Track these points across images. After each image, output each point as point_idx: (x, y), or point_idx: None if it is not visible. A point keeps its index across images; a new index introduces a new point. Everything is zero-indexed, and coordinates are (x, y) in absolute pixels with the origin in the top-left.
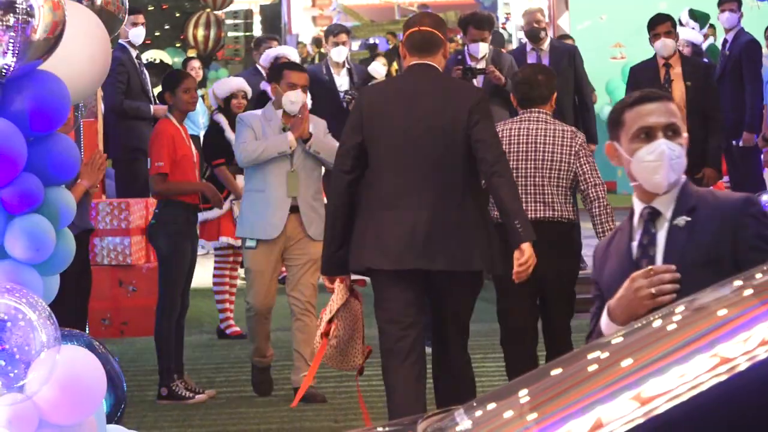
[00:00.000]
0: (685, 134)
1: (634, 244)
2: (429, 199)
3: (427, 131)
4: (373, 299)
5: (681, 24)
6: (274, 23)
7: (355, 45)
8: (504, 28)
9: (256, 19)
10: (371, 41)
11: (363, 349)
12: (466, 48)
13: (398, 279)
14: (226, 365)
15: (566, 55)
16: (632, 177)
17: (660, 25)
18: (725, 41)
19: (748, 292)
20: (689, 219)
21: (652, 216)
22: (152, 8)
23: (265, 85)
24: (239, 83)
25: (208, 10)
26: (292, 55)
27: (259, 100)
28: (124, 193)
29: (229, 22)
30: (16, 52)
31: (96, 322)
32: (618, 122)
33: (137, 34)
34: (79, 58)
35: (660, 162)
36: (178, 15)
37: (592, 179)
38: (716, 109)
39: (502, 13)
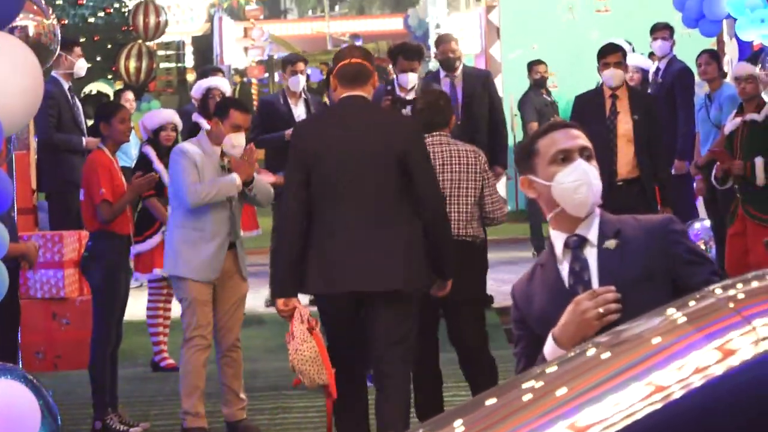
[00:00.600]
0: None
1: (564, 273)
2: (364, 225)
3: (362, 161)
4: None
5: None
6: (206, 54)
7: None
8: (434, 58)
9: (188, 50)
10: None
11: (329, 371)
12: (395, 78)
13: (337, 302)
14: (161, 398)
15: (480, 80)
16: (551, 205)
17: (610, 54)
18: (658, 69)
19: (682, 319)
20: (618, 241)
21: (578, 243)
22: (84, 39)
23: (197, 117)
24: (169, 115)
25: (140, 41)
26: (225, 86)
27: (191, 132)
28: (57, 226)
29: (161, 53)
30: None
31: (29, 355)
32: (531, 152)
33: (81, 66)
34: (12, 90)
35: (581, 180)
36: (109, 46)
37: (491, 198)
38: (659, 143)
39: (434, 42)
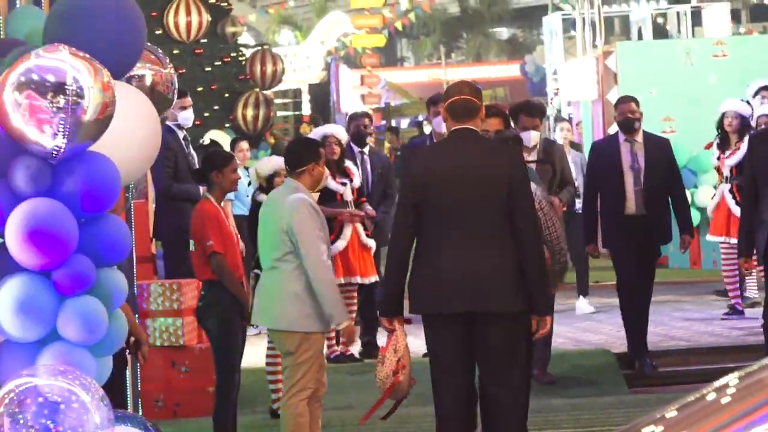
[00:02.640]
0: None
1: None
2: (475, 247)
3: (472, 187)
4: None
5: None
6: (323, 102)
7: (404, 122)
8: (551, 104)
9: (305, 98)
10: (420, 118)
11: (411, 381)
12: None
13: (449, 323)
14: None
15: (660, 147)
16: None
17: None
18: None
19: None
20: None
21: None
22: (201, 89)
23: None
24: (281, 161)
25: (257, 89)
26: (340, 133)
27: None
28: (175, 275)
29: (278, 101)
30: (67, 133)
31: (149, 403)
32: None
33: (186, 117)
34: (130, 139)
35: None
36: (227, 95)
37: None
38: None
39: (551, 88)
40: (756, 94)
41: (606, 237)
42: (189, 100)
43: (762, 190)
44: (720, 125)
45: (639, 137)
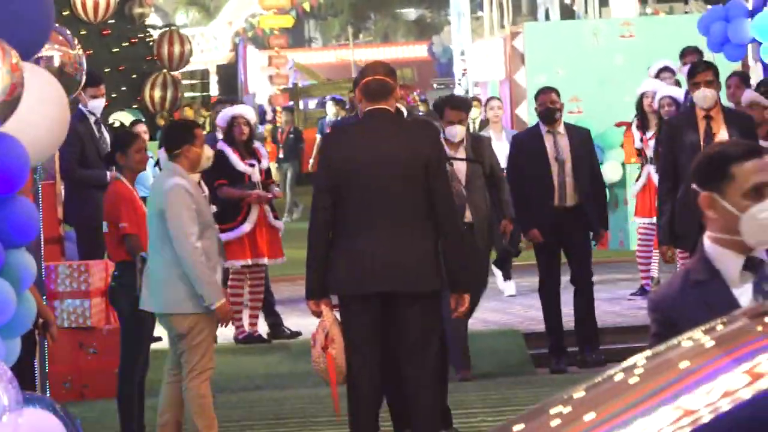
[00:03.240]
0: None
1: (741, 296)
2: (392, 228)
3: (389, 168)
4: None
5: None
6: (231, 83)
7: (312, 103)
8: (459, 84)
9: (213, 79)
10: (328, 99)
11: (334, 389)
12: (441, 131)
13: (367, 304)
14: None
15: (582, 138)
16: (730, 230)
17: (700, 74)
18: (686, 93)
19: (710, 343)
20: None
21: (761, 264)
22: (108, 70)
23: (222, 145)
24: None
25: (165, 70)
26: (249, 113)
27: (216, 158)
28: (86, 258)
29: (185, 82)
30: None
31: (57, 384)
32: (724, 175)
33: (96, 106)
34: (38, 121)
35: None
36: (134, 76)
37: None
38: None
39: (459, 69)
40: (657, 75)
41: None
42: (102, 89)
43: (683, 174)
44: (639, 106)
45: (560, 128)
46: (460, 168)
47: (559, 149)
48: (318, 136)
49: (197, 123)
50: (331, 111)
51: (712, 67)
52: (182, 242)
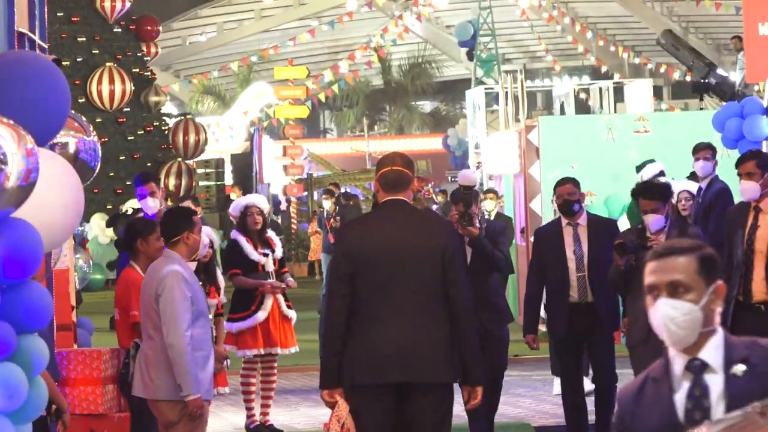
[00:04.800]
0: (696, 291)
1: (679, 398)
2: (408, 319)
3: (405, 259)
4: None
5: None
6: (246, 172)
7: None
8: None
9: (228, 168)
10: (344, 191)
11: None
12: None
13: (381, 394)
14: None
15: (606, 229)
16: None
17: (741, 165)
18: (699, 189)
19: None
20: (746, 367)
21: (701, 368)
22: (123, 157)
23: (235, 234)
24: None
25: (180, 159)
26: (262, 203)
27: (231, 247)
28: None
29: (200, 171)
30: None
31: None
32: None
33: (151, 206)
34: (52, 206)
35: (661, 326)
36: (149, 164)
37: None
38: None
39: (474, 162)
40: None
41: (550, 324)
42: (154, 185)
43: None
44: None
45: (582, 220)
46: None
47: (577, 243)
48: (318, 229)
49: (194, 210)
50: (327, 204)
51: (755, 157)
52: (172, 329)
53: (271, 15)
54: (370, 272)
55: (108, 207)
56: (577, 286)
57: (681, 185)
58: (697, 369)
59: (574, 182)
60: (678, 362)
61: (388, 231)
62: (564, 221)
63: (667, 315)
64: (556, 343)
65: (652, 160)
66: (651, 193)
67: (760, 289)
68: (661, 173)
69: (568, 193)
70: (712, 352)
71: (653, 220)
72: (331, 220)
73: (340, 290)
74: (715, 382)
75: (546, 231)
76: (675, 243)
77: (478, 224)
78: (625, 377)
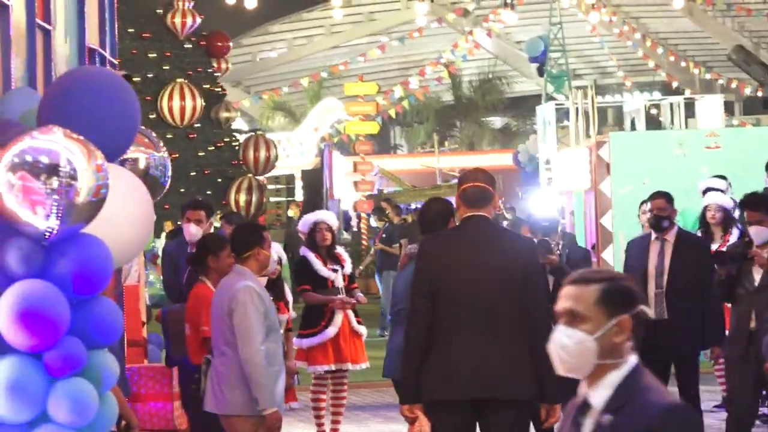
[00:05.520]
0: (593, 322)
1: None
2: (484, 335)
3: (486, 276)
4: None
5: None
6: (316, 188)
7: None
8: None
9: (298, 185)
10: (412, 206)
11: None
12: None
13: (458, 410)
14: None
15: (693, 247)
16: None
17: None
18: (734, 201)
19: None
20: (612, 419)
21: (582, 410)
22: (194, 173)
23: (304, 251)
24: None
25: (250, 175)
26: (331, 219)
27: (300, 264)
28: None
29: (271, 187)
30: (60, 215)
31: None
32: None
33: (193, 232)
34: (122, 222)
35: (552, 352)
36: (220, 180)
37: None
38: None
39: (544, 178)
40: (704, 193)
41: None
42: (203, 214)
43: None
44: (702, 218)
45: (671, 236)
46: None
47: (661, 258)
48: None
49: (264, 226)
50: (373, 221)
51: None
52: (248, 344)
53: (342, 31)
54: (451, 288)
55: (179, 223)
56: (655, 303)
57: (709, 197)
58: (578, 409)
59: (667, 197)
60: (581, 394)
61: (470, 247)
62: (654, 235)
63: (559, 341)
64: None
65: (722, 176)
66: (756, 204)
67: None
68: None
69: (659, 208)
70: (602, 390)
71: (757, 231)
72: (376, 239)
73: (421, 306)
74: (587, 426)
75: (635, 243)
76: (588, 272)
77: (558, 251)
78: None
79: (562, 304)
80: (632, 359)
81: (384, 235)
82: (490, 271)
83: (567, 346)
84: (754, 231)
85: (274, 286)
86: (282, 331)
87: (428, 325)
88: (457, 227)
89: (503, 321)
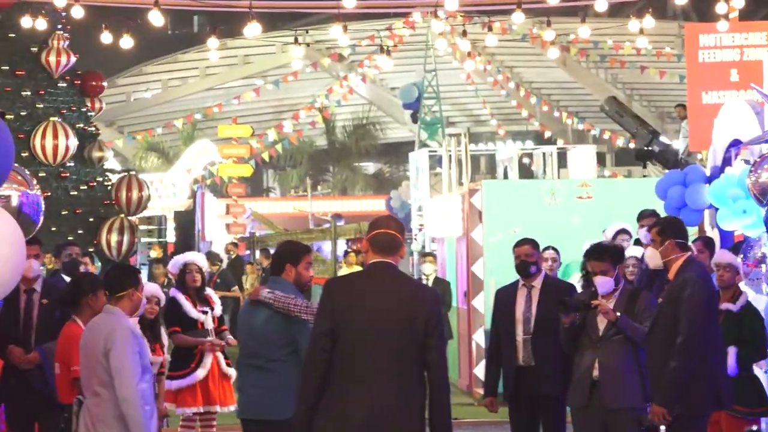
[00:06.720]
0: None
1: None
2: (380, 382)
3: (388, 324)
4: None
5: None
6: (188, 230)
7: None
8: (415, 239)
9: (170, 225)
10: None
11: None
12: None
13: None
14: None
15: (559, 292)
16: None
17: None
18: (643, 255)
19: None
20: None
21: None
22: (66, 212)
23: (174, 292)
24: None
25: (122, 215)
26: (201, 261)
27: (170, 305)
28: None
29: (142, 227)
30: None
31: None
32: None
33: (34, 268)
34: None
35: None
36: (91, 220)
37: None
38: None
39: (416, 224)
40: (614, 237)
41: (504, 387)
42: (39, 248)
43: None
44: (584, 266)
45: (537, 282)
46: None
47: (528, 305)
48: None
49: (137, 269)
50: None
51: (655, 226)
52: (124, 383)
53: (216, 73)
54: (351, 331)
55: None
56: (523, 349)
57: (628, 251)
58: None
59: (533, 244)
60: None
61: (374, 292)
62: (520, 282)
63: None
64: (510, 407)
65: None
66: (601, 254)
67: None
68: (623, 231)
69: (526, 254)
70: None
71: (601, 282)
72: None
73: (321, 345)
74: None
75: (503, 291)
76: None
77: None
78: None
79: None
80: None
81: (218, 280)
82: (392, 317)
83: None
84: (599, 281)
85: (152, 328)
86: (155, 372)
87: (326, 365)
88: (364, 271)
89: (400, 367)
